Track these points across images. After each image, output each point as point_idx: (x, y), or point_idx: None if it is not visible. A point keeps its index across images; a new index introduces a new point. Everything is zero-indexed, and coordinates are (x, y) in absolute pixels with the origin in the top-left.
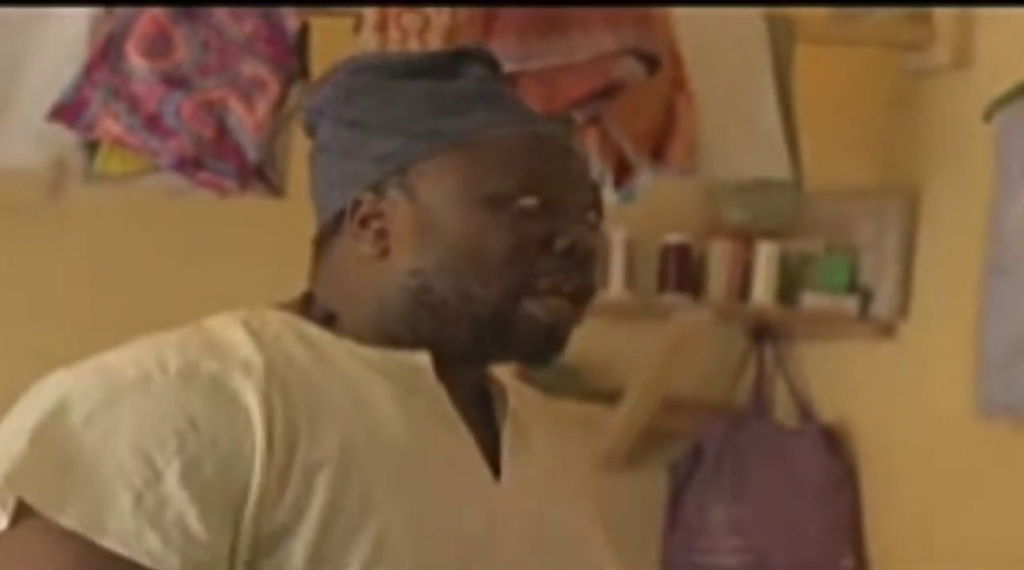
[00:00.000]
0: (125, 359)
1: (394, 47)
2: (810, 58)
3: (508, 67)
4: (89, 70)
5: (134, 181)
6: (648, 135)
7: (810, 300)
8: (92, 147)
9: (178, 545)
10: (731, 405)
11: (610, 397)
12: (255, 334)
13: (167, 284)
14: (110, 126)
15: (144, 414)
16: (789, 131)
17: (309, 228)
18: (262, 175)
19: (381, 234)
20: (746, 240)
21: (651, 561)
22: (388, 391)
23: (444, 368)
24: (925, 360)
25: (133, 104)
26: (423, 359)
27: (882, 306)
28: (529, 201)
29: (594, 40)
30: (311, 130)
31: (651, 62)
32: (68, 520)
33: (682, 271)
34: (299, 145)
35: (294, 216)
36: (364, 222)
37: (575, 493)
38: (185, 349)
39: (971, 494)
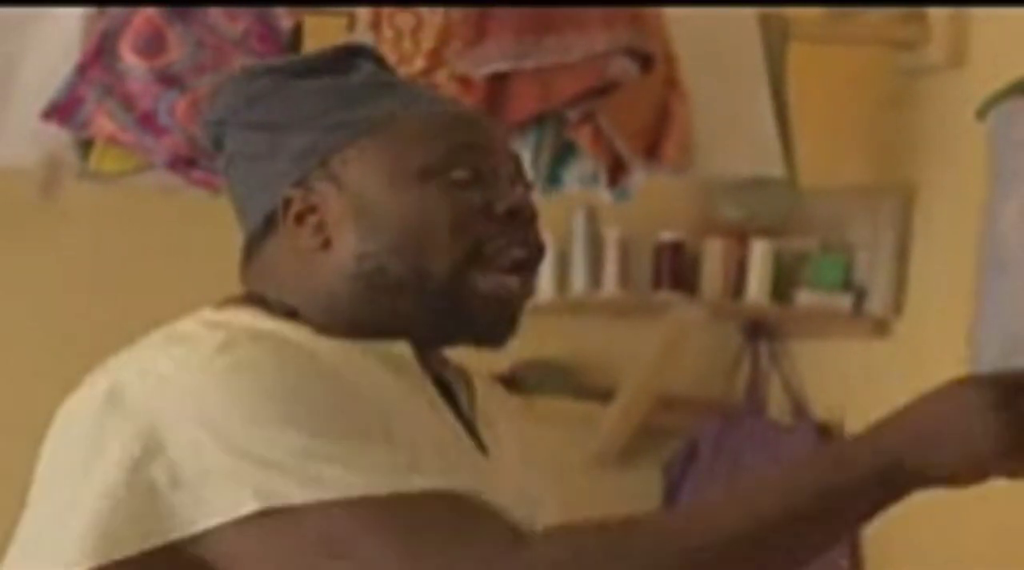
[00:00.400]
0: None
1: (388, 46)
2: (804, 57)
3: (502, 66)
4: (83, 68)
5: (128, 179)
6: (642, 133)
7: (805, 298)
8: (86, 145)
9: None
10: (726, 403)
11: (604, 395)
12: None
13: (161, 282)
14: (104, 124)
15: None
16: (783, 129)
17: None
18: None
19: (319, 227)
20: (740, 238)
21: None
22: (386, 377)
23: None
24: (920, 358)
25: (127, 102)
26: (404, 347)
27: (877, 304)
28: (460, 173)
29: (588, 39)
30: (216, 143)
31: (645, 61)
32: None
33: (676, 269)
34: None
35: None
36: (299, 218)
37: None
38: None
39: (966, 492)
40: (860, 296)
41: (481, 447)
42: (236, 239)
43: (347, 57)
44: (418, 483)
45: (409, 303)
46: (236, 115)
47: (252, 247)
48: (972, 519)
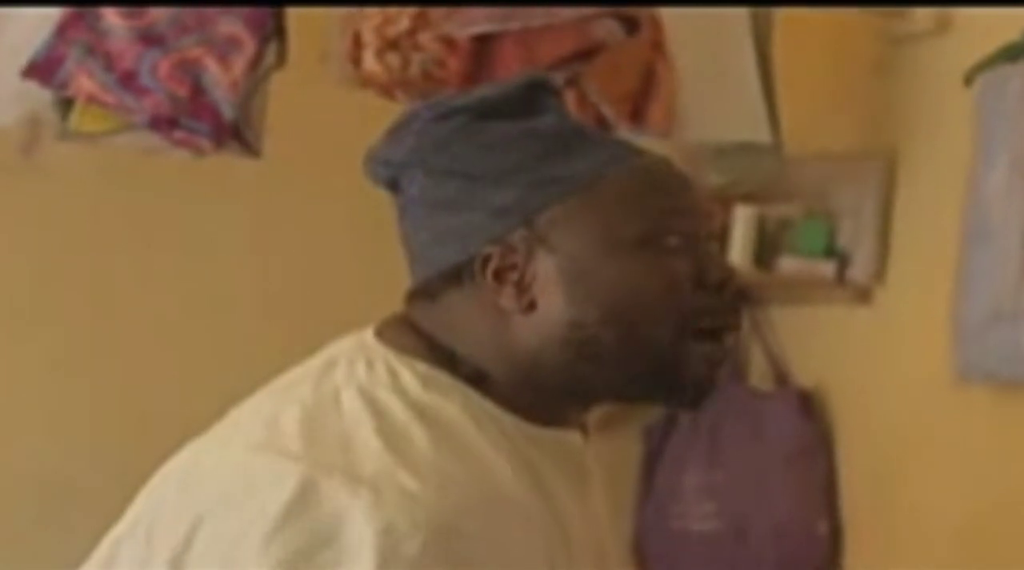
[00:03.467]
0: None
1: (375, 7)
2: (790, 22)
3: (487, 27)
4: (64, 27)
5: (109, 139)
6: (627, 97)
7: (787, 264)
8: (66, 105)
9: None
10: (724, 362)
11: None
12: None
13: (142, 243)
14: (85, 83)
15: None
16: (768, 95)
17: (283, 187)
18: (238, 134)
19: (522, 287)
20: (724, 204)
21: (625, 526)
22: (557, 474)
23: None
24: (902, 325)
25: (108, 62)
26: (577, 439)
27: (859, 271)
28: (673, 239)
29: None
30: (392, 183)
31: (630, 24)
32: None
33: None
34: (275, 105)
35: (269, 175)
36: (499, 276)
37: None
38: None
39: (947, 460)
40: (843, 263)
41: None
42: (216, 200)
43: (533, 94)
44: None
45: (614, 371)
46: (422, 158)
47: (430, 292)
48: (952, 485)
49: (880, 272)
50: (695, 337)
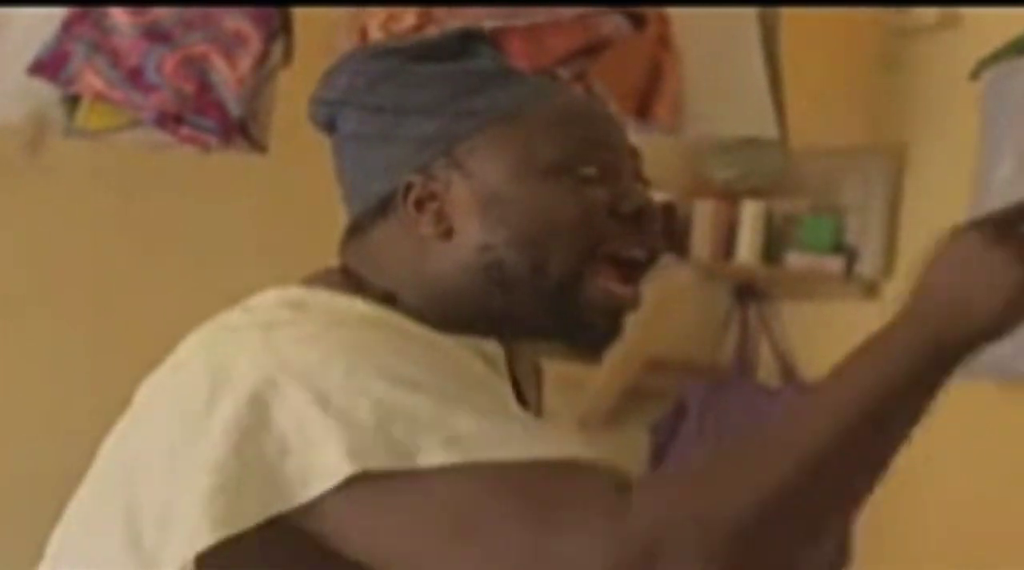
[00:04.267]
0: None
1: (379, 4)
2: (797, 17)
3: (494, 23)
4: (70, 24)
5: (115, 136)
6: (633, 93)
7: (795, 260)
8: (73, 102)
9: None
10: (714, 365)
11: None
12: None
13: (147, 239)
14: (91, 80)
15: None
16: (775, 90)
17: (290, 183)
18: (244, 130)
19: (440, 214)
20: (731, 199)
21: None
22: (482, 367)
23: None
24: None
25: (115, 58)
26: (495, 347)
27: (867, 266)
28: (588, 169)
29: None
30: (329, 123)
31: (637, 19)
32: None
33: (666, 230)
34: (282, 101)
35: (275, 172)
36: (419, 204)
37: None
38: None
39: (955, 455)
40: (851, 258)
41: None
42: (222, 196)
43: (465, 42)
44: (552, 450)
45: (520, 300)
46: (355, 96)
47: (358, 227)
48: (961, 481)
49: (888, 267)
50: (603, 265)
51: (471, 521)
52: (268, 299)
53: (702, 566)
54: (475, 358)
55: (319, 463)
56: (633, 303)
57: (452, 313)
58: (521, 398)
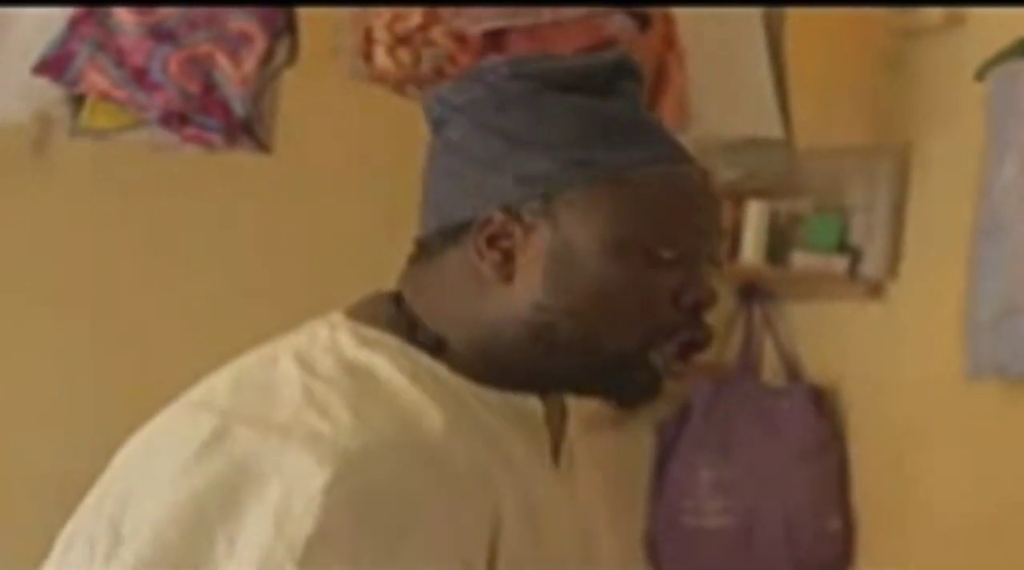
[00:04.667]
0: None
1: (386, 3)
2: (802, 16)
3: (499, 23)
4: (75, 23)
5: (120, 135)
6: None
7: (799, 260)
8: (78, 101)
9: None
10: (719, 365)
11: None
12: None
13: (152, 239)
14: (96, 80)
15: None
16: (780, 89)
17: (294, 182)
18: (249, 130)
19: (508, 257)
20: (736, 199)
21: (637, 522)
22: (516, 437)
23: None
24: (914, 320)
25: (120, 58)
26: (536, 405)
27: (871, 266)
28: (668, 252)
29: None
30: (438, 121)
31: (642, 19)
32: None
33: None
34: (286, 101)
35: (280, 171)
36: (491, 241)
37: (606, 520)
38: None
39: (959, 455)
40: (855, 258)
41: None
42: (226, 196)
43: (616, 76)
44: None
45: (564, 363)
46: (478, 112)
47: (428, 247)
48: (964, 480)
49: (892, 267)
50: (651, 349)
51: None
52: (327, 361)
53: None
54: (506, 419)
55: None
56: (678, 376)
57: (497, 361)
58: (556, 451)
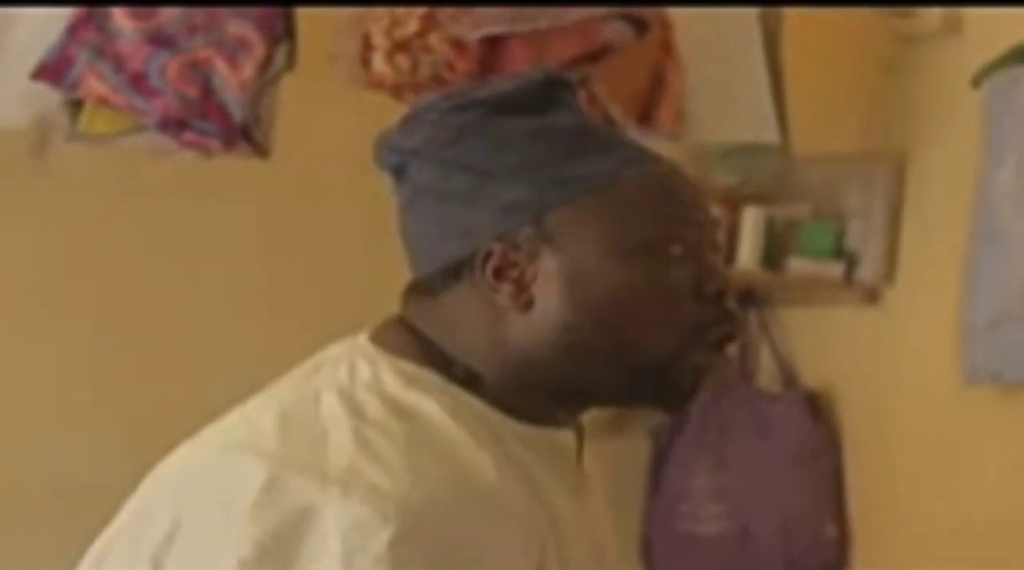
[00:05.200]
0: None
1: (383, 9)
2: (799, 22)
3: (496, 29)
4: (74, 29)
5: (118, 140)
6: (636, 98)
7: (796, 265)
8: (76, 106)
9: None
10: (714, 370)
11: None
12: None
13: (150, 244)
14: (95, 85)
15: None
16: (777, 95)
17: (292, 188)
18: (247, 135)
19: (521, 286)
20: (732, 204)
21: (633, 527)
22: (546, 470)
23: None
24: (910, 326)
25: (118, 63)
26: (569, 437)
27: (868, 272)
28: (676, 248)
29: (583, 2)
30: (399, 170)
31: (640, 25)
32: None
33: None
34: (285, 107)
35: (278, 176)
36: (499, 273)
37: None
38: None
39: (955, 461)
40: (851, 264)
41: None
42: (225, 202)
43: (550, 91)
44: None
45: (598, 377)
46: (437, 150)
47: (426, 287)
48: (960, 486)
49: (888, 273)
50: (690, 348)
51: None
52: (374, 402)
53: None
54: (540, 454)
55: None
56: (716, 370)
57: (531, 387)
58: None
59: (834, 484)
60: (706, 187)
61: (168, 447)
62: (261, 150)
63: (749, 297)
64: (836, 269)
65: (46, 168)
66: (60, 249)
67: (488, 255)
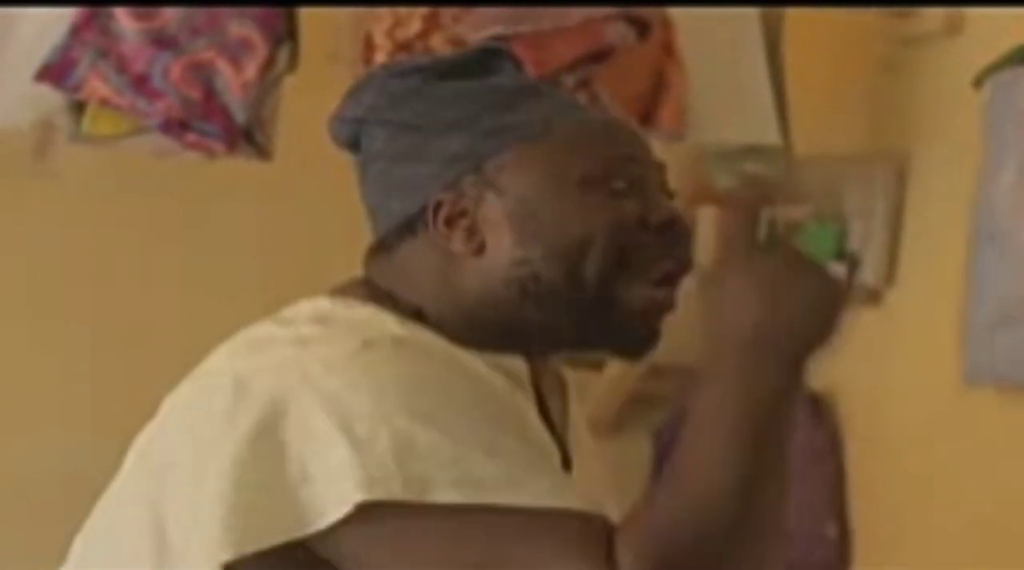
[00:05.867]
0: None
1: (385, 10)
2: (800, 24)
3: (498, 30)
4: (77, 30)
5: (121, 142)
6: (638, 99)
7: None
8: (79, 108)
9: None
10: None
11: (595, 363)
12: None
13: (153, 245)
14: (98, 86)
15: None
16: (778, 97)
17: (295, 189)
18: (249, 137)
19: (472, 231)
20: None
21: None
22: (506, 385)
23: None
24: (911, 327)
25: (121, 65)
26: (520, 364)
27: (869, 273)
28: (618, 183)
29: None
30: (352, 141)
31: (642, 27)
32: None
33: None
34: (287, 108)
35: (280, 177)
36: (449, 222)
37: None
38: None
39: (956, 462)
40: (853, 265)
41: (566, 458)
42: (228, 203)
43: (488, 59)
44: (554, 499)
45: (556, 311)
46: (380, 114)
47: (383, 245)
48: (961, 487)
49: (890, 274)
50: (629, 279)
51: (469, 564)
52: (301, 312)
53: None
54: (497, 376)
55: (335, 492)
56: (670, 306)
57: (482, 328)
58: (544, 412)
59: (835, 484)
60: (706, 186)
61: None
62: (263, 151)
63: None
64: (838, 270)
65: (49, 169)
66: (62, 250)
67: (438, 205)
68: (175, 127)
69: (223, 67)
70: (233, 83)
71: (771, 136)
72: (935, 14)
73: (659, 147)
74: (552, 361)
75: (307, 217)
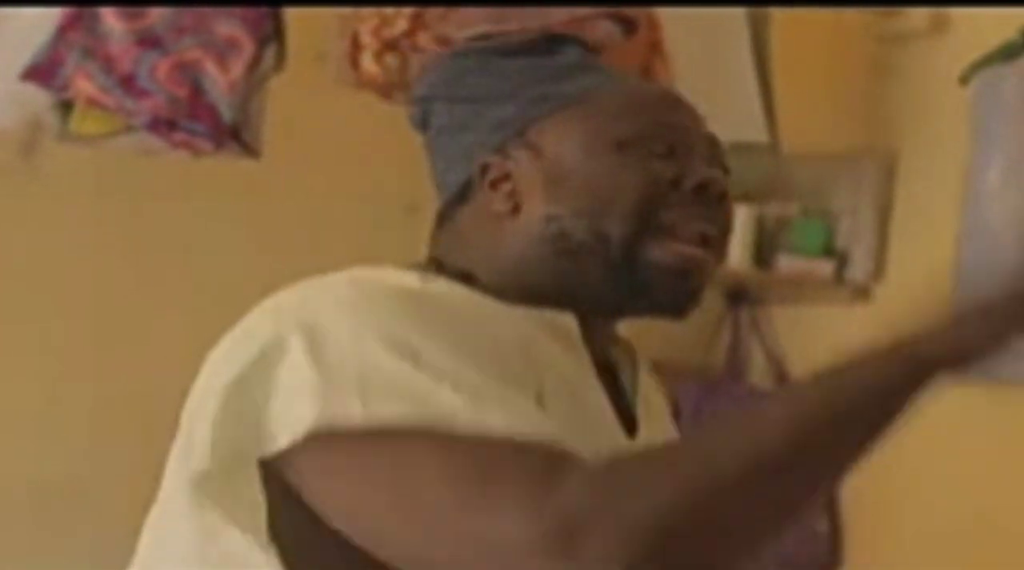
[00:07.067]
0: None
1: (371, 8)
2: (787, 22)
3: (484, 29)
4: (63, 30)
5: (108, 141)
6: None
7: (786, 263)
8: (66, 107)
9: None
10: (706, 368)
11: None
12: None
13: (141, 244)
14: (84, 86)
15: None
16: (766, 94)
17: (283, 188)
18: (237, 136)
19: (511, 192)
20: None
21: None
22: (555, 346)
23: (583, 326)
24: (900, 324)
25: (108, 64)
26: (569, 320)
27: (857, 269)
28: (657, 146)
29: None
30: (424, 121)
31: (628, 25)
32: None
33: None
34: (274, 106)
35: (268, 176)
36: (495, 185)
37: None
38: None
39: (946, 457)
40: (841, 262)
41: (632, 428)
42: (215, 201)
43: (554, 42)
44: (510, 426)
45: (588, 269)
46: (441, 90)
47: (445, 215)
48: (951, 484)
49: (878, 271)
50: (658, 237)
51: (410, 493)
52: (340, 276)
53: (619, 558)
54: (544, 333)
55: (293, 415)
56: (704, 264)
57: (527, 288)
58: (612, 378)
59: None
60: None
61: (160, 446)
62: (251, 150)
63: (739, 295)
64: (826, 267)
65: (36, 169)
66: (50, 249)
67: (485, 168)
68: (162, 126)
69: (210, 66)
70: (220, 82)
71: (758, 133)
72: (920, 13)
73: None
74: (611, 326)
75: (296, 215)
